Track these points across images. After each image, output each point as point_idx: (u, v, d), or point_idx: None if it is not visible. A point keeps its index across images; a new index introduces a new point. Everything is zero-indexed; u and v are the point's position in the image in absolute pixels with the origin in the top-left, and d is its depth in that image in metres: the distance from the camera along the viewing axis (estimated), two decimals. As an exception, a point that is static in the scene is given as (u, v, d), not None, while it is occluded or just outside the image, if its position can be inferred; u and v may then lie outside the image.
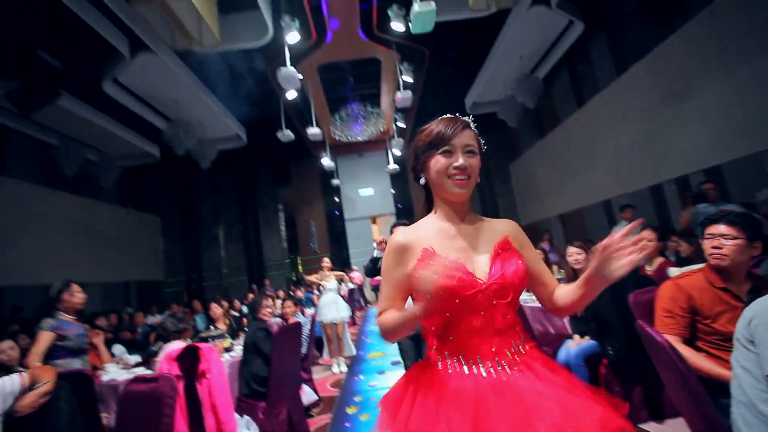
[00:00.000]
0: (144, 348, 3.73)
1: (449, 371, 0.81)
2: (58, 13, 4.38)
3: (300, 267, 12.70)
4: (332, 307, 4.26)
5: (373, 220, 13.43)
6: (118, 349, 3.27)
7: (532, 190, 11.13)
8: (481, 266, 0.85)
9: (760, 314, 0.98)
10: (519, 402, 0.74)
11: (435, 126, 0.92)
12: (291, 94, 6.62)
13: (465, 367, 0.81)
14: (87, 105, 6.55)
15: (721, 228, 1.35)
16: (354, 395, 3.38)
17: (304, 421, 2.55)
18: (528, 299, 3.39)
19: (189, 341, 2.21)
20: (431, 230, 0.90)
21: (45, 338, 2.01)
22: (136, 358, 2.99)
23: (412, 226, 0.95)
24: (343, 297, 4.66)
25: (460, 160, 0.87)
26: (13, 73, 5.29)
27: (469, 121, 0.93)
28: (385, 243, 4.65)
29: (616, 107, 7.28)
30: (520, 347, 0.84)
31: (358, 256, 12.50)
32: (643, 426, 2.03)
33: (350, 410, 3.01)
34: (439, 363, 0.83)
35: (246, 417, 2.30)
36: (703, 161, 5.74)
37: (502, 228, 0.94)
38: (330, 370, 4.26)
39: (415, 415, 0.78)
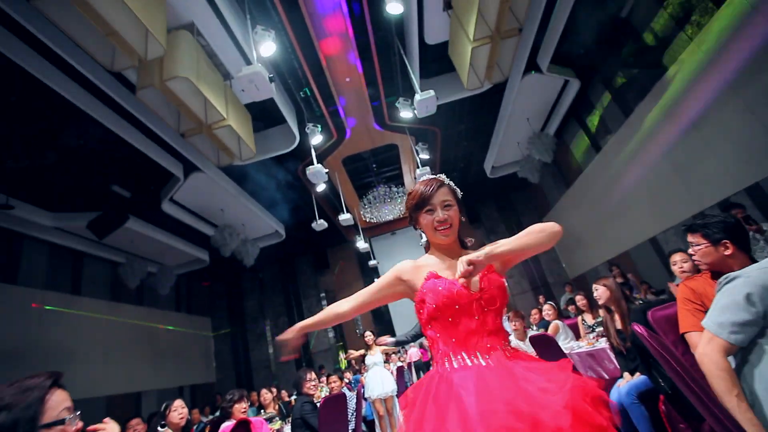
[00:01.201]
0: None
1: (456, 367, 0.96)
2: (126, 152, 5.39)
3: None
4: (378, 381, 4.19)
5: (414, 294, 13.27)
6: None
7: (573, 242, 10.80)
8: (473, 283, 1.04)
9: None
10: (511, 375, 0.88)
11: (417, 188, 1.16)
12: (320, 188, 7.30)
13: (468, 360, 0.95)
14: (148, 224, 7.53)
15: (688, 237, 1.47)
16: (411, 477, 3.17)
17: (358, 503, 2.44)
18: (575, 346, 3.24)
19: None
20: (432, 262, 1.14)
21: None
22: (192, 451, 3.06)
23: (416, 261, 1.17)
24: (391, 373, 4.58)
25: (440, 215, 1.09)
26: (92, 205, 6.34)
27: (443, 179, 1.17)
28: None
29: (634, 146, 7.36)
30: (509, 347, 1.00)
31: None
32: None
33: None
34: (446, 364, 0.98)
35: (298, 498, 2.26)
36: (740, 181, 5.56)
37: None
38: (385, 455, 4.03)
39: (428, 410, 0.90)
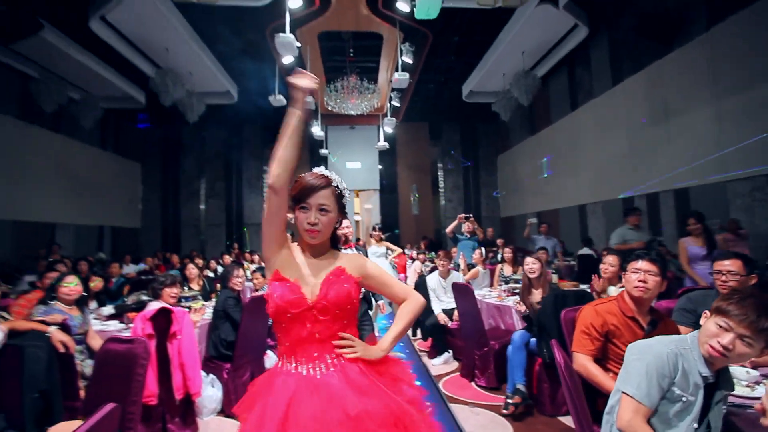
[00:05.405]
0: (116, 298, 3.84)
1: (283, 369, 1.03)
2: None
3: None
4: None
5: (357, 193, 13.52)
6: (91, 304, 3.36)
7: (515, 185, 11.39)
8: (314, 290, 1.04)
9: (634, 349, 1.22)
10: (326, 396, 0.97)
11: (302, 180, 1.09)
12: (287, 59, 6.48)
13: (292, 366, 1.02)
14: (71, 40, 6.28)
15: (645, 265, 1.55)
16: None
17: (265, 384, 2.76)
18: (487, 294, 3.65)
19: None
20: (297, 254, 1.11)
21: (28, 325, 1.90)
22: (109, 310, 3.11)
23: (292, 245, 1.14)
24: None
25: (312, 218, 1.05)
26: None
27: (333, 179, 1.11)
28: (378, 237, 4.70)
29: (606, 116, 7.45)
30: (338, 355, 1.05)
31: (337, 227, 12.63)
32: (561, 419, 2.32)
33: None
34: (279, 363, 1.06)
35: (211, 375, 2.49)
36: (676, 181, 6.02)
37: (341, 261, 1.13)
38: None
39: (257, 403, 1.00)
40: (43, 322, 1.86)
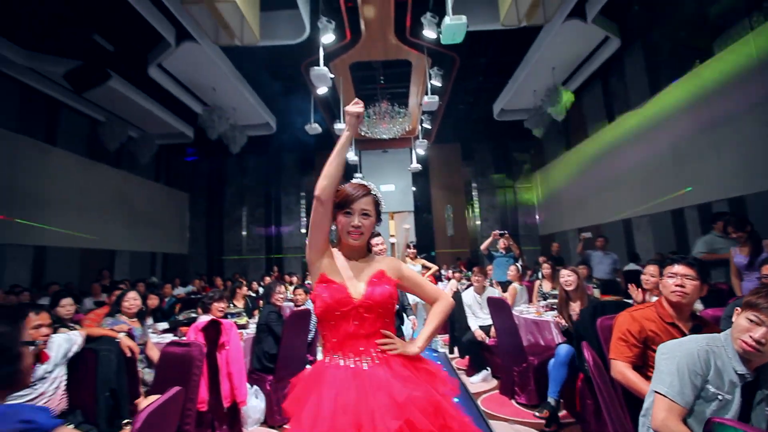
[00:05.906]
0: (169, 316, 4.13)
1: (332, 364, 1.12)
2: (113, 1, 4.79)
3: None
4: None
5: (391, 215, 13.66)
6: (148, 320, 3.65)
7: (553, 201, 11.08)
8: (360, 290, 1.15)
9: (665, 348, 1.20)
10: (374, 383, 1.05)
11: (344, 189, 1.21)
12: (322, 90, 6.87)
13: (340, 361, 1.11)
14: (133, 86, 7.03)
15: (682, 269, 1.50)
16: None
17: (305, 398, 2.84)
18: (524, 310, 3.57)
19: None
20: (339, 258, 1.22)
21: (101, 332, 2.16)
22: (164, 325, 3.36)
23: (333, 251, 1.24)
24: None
25: (356, 221, 1.17)
26: (70, 52, 5.77)
27: (371, 188, 1.25)
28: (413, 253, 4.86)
29: (647, 126, 7.18)
30: (381, 350, 1.14)
31: (373, 249, 12.76)
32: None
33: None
34: (327, 359, 1.14)
35: (255, 387, 2.61)
36: (728, 191, 5.66)
37: (381, 264, 1.25)
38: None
39: (307, 396, 1.07)
40: (111, 330, 2.08)
